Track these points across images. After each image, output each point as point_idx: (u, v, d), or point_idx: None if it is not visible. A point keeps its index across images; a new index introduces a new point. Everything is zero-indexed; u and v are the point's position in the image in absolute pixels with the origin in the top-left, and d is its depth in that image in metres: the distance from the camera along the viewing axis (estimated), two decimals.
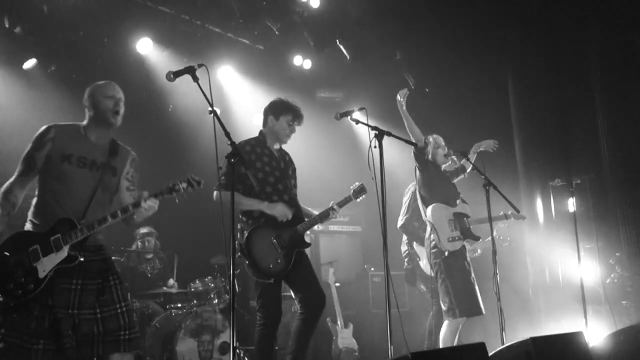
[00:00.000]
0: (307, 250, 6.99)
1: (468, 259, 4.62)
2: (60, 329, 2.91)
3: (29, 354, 2.84)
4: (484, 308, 4.47)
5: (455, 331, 4.45)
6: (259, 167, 4.00)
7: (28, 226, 3.10)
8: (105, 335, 3.01)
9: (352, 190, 4.26)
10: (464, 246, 4.61)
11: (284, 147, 4.30)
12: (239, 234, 3.96)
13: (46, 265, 2.93)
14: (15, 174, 3.14)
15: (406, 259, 4.89)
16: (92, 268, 3.09)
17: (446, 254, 4.51)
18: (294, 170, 4.31)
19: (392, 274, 3.51)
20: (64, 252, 2.98)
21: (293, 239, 3.97)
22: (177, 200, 3.16)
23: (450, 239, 4.52)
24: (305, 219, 4.12)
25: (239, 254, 3.92)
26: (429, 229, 4.65)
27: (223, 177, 3.90)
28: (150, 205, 3.11)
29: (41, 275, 2.91)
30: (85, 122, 3.28)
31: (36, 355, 2.85)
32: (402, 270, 7.04)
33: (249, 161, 3.97)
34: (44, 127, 3.17)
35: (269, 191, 3.99)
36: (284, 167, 4.17)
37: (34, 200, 3.16)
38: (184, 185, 3.14)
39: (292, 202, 4.09)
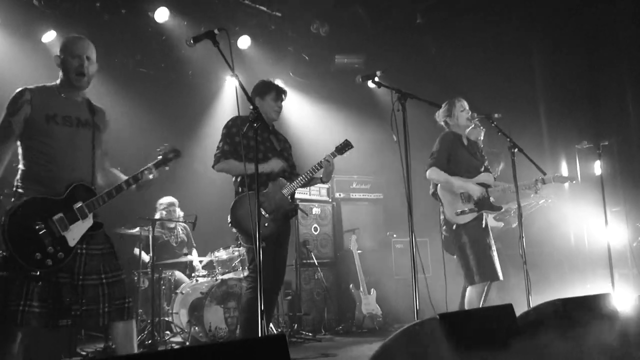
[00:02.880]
0: (329, 218, 7.10)
1: (487, 227, 4.54)
2: (90, 295, 2.93)
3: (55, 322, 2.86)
4: (502, 274, 4.41)
5: (480, 295, 4.42)
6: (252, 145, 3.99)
7: (20, 192, 2.93)
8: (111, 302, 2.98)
9: (335, 147, 4.27)
10: (481, 216, 4.51)
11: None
12: None
13: (75, 233, 2.92)
14: None
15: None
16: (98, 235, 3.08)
17: (454, 227, 4.48)
18: (287, 148, 4.33)
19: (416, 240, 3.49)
20: (90, 220, 2.99)
21: (278, 203, 4.02)
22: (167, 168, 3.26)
23: (459, 212, 4.45)
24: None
25: (230, 224, 4.01)
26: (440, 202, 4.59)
27: (218, 149, 4.05)
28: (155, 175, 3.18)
29: (71, 244, 2.90)
30: (57, 82, 3.10)
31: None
32: (425, 237, 7.05)
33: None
34: (16, 91, 2.97)
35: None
36: (280, 149, 4.21)
37: (21, 168, 2.99)
38: (171, 155, 3.25)
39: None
